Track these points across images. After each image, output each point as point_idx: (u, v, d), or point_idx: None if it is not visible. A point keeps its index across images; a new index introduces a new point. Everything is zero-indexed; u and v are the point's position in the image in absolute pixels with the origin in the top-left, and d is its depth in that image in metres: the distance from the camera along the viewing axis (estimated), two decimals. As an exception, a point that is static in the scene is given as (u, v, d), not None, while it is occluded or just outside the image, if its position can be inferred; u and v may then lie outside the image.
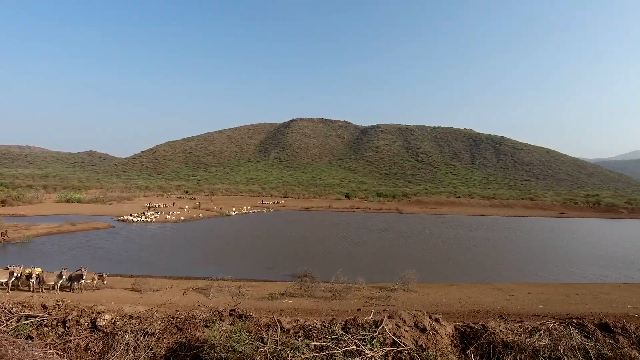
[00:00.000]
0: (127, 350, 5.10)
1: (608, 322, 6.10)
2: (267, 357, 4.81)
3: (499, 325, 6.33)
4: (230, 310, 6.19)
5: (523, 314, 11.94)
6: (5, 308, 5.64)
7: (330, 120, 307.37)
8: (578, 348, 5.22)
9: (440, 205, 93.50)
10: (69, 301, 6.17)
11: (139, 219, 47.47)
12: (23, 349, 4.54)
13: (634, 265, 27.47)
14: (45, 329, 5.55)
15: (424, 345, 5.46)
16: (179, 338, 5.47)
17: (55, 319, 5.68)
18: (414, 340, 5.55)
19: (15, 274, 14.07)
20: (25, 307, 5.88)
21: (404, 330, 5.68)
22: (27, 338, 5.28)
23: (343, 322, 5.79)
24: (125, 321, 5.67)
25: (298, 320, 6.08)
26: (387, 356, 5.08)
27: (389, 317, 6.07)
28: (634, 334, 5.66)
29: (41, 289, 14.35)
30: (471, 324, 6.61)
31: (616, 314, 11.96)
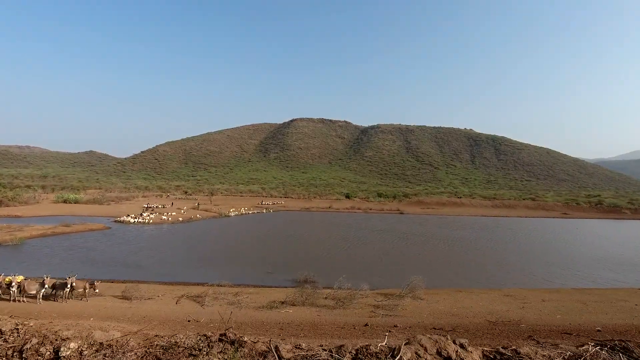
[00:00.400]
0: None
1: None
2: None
3: (535, 353, 5.41)
4: (221, 335, 5.26)
5: (545, 327, 11.02)
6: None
7: (330, 121, 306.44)
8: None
9: (441, 205, 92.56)
10: (31, 324, 5.25)
11: (136, 220, 46.53)
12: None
13: (644, 269, 26.57)
14: (-4, 360, 4.65)
15: (452, 382, 4.56)
16: (158, 372, 4.55)
17: (11, 347, 4.77)
18: (440, 374, 4.64)
19: None
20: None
21: (426, 360, 4.78)
22: None
23: (354, 351, 4.87)
24: (95, 350, 4.76)
25: (300, 347, 5.16)
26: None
27: (407, 344, 5.15)
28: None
29: (22, 298, 13.43)
30: (501, 349, 5.69)
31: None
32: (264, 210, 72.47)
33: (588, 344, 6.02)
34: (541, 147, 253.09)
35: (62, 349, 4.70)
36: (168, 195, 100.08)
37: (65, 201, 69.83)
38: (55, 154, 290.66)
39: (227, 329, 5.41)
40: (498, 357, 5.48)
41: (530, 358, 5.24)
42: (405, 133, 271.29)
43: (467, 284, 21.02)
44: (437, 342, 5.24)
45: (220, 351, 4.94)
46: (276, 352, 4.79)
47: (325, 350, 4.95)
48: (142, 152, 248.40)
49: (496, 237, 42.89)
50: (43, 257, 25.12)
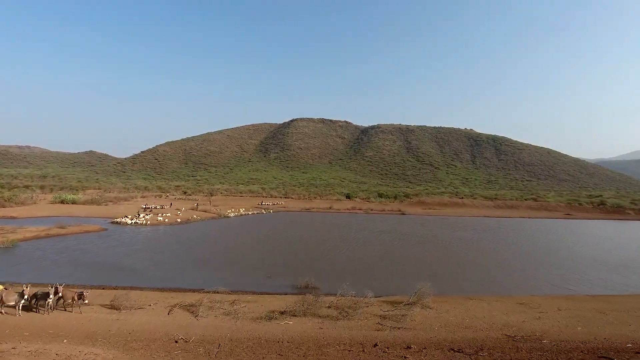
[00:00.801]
0: None
1: None
2: None
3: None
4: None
5: (570, 344, 10.13)
6: None
7: (331, 120, 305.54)
8: None
9: (443, 206, 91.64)
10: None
11: (134, 221, 45.62)
12: None
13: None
14: None
15: None
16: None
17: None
18: None
19: None
20: None
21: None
22: None
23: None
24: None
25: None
26: None
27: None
28: None
29: (1, 309, 12.51)
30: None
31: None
32: (264, 211, 71.56)
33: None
34: (542, 147, 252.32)
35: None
36: (167, 196, 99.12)
37: (62, 202, 68.90)
38: (55, 154, 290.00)
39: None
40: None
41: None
42: (405, 133, 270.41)
43: (474, 289, 20.12)
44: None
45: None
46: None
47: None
48: (142, 152, 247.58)
49: (500, 239, 42.01)
50: (33, 260, 24.24)
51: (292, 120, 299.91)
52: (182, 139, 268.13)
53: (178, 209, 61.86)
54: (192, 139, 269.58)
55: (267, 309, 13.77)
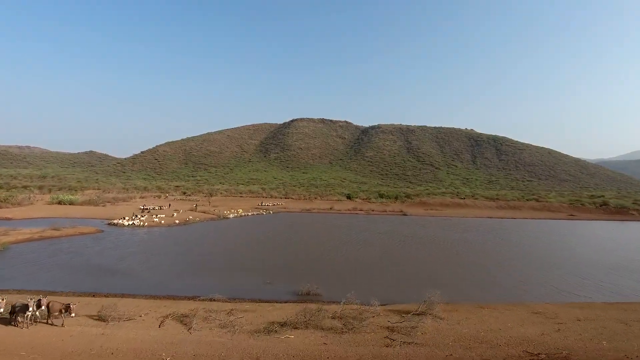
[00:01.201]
0: None
1: None
2: None
3: None
4: None
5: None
6: None
7: (331, 121, 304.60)
8: None
9: (445, 206, 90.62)
10: None
11: (130, 222, 44.67)
12: None
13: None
14: None
15: None
16: None
17: None
18: None
19: None
20: None
21: None
22: None
23: None
24: None
25: None
26: None
27: None
28: None
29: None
30: None
31: None
32: (264, 212, 70.57)
33: None
34: (542, 147, 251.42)
35: None
36: (166, 196, 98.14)
37: (60, 202, 67.95)
38: (55, 154, 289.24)
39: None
40: None
41: None
42: (406, 133, 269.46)
43: (481, 295, 19.17)
44: None
45: None
46: None
47: None
48: (142, 152, 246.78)
49: (504, 241, 41.04)
50: (22, 265, 23.25)
51: (292, 121, 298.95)
52: (182, 139, 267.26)
53: (176, 210, 60.91)
54: (192, 139, 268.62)
55: (267, 320, 12.81)
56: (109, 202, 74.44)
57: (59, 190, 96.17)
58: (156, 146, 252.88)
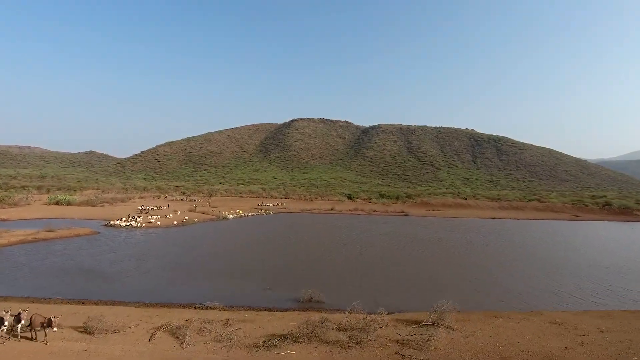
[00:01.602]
0: None
1: None
2: None
3: None
4: None
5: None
6: None
7: (331, 121, 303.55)
8: None
9: (447, 207, 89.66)
10: None
11: (127, 223, 43.72)
12: None
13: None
14: None
15: None
16: None
17: None
18: None
19: None
20: None
21: None
22: None
23: None
24: None
25: None
26: None
27: None
28: None
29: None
30: None
31: None
32: (264, 213, 69.58)
33: None
34: (543, 147, 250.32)
35: None
36: (166, 196, 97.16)
37: (57, 203, 67.01)
38: (55, 154, 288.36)
39: None
40: None
41: None
42: (406, 133, 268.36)
43: (491, 301, 18.16)
44: None
45: None
46: None
47: None
48: (142, 152, 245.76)
49: (509, 242, 40.04)
50: (11, 269, 22.26)
51: (292, 121, 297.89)
52: (182, 139, 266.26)
53: (175, 211, 59.98)
54: (192, 139, 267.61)
55: (266, 332, 11.85)
56: (107, 202, 73.49)
57: (57, 190, 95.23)
58: (156, 146, 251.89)
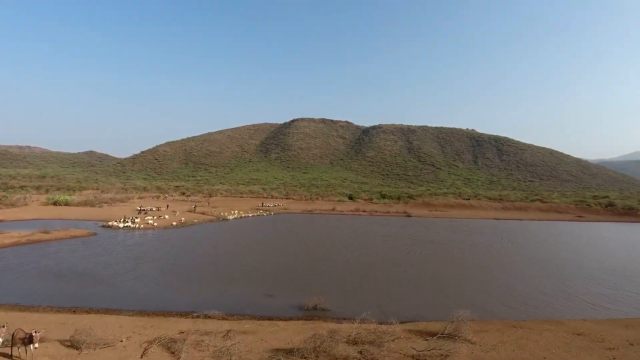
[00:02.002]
0: None
1: None
2: None
3: None
4: None
5: None
6: None
7: (332, 121, 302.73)
8: None
9: (449, 207, 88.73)
10: None
11: (125, 224, 42.77)
12: None
13: None
14: None
15: None
16: None
17: None
18: None
19: None
20: None
21: None
22: None
23: None
24: None
25: None
26: None
27: None
28: None
29: None
30: None
31: None
32: (264, 213, 68.62)
33: None
34: (544, 148, 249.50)
35: None
36: (165, 197, 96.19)
37: (55, 203, 66.04)
38: (55, 154, 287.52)
39: None
40: None
41: None
42: (406, 133, 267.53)
43: (511, 312, 17.03)
44: None
45: None
46: None
47: None
48: (142, 152, 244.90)
49: (514, 244, 39.01)
50: (3, 273, 21.24)
51: (292, 121, 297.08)
52: (182, 139, 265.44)
53: (174, 211, 59.03)
54: (193, 139, 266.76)
55: (270, 346, 10.91)
56: (105, 202, 72.53)
57: (57, 190, 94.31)
58: (156, 146, 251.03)
